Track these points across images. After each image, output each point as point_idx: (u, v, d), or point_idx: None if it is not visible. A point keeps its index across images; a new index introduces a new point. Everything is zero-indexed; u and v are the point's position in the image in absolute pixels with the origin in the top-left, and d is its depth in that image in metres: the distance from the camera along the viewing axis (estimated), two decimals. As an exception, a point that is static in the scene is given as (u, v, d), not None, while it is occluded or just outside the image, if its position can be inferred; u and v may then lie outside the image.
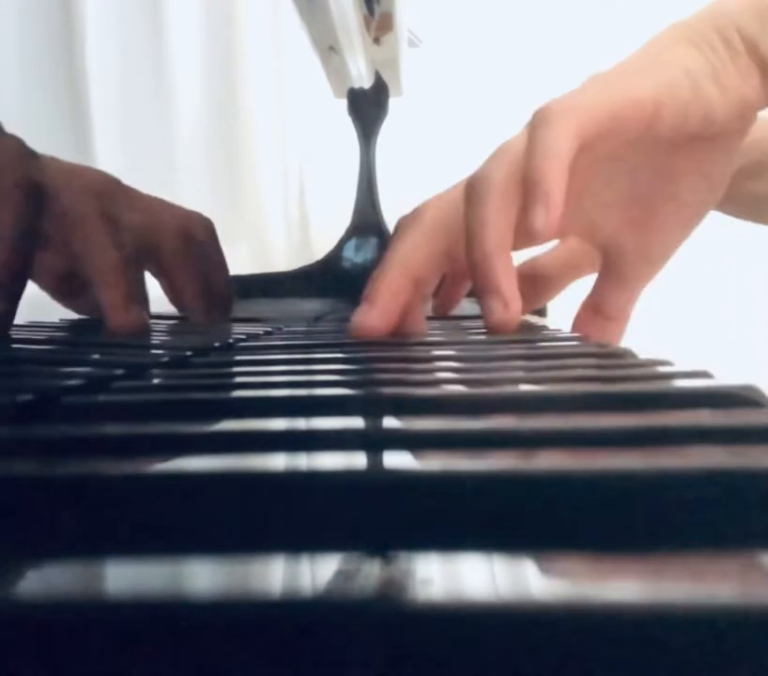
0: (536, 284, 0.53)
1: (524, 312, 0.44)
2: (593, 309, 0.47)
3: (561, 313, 0.61)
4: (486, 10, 1.38)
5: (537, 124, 0.37)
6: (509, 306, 0.38)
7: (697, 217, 0.44)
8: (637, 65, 0.39)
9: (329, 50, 0.68)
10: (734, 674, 0.07)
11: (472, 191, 0.39)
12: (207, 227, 0.54)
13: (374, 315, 0.38)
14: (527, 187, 0.36)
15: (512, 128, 0.42)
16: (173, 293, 0.55)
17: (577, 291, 0.55)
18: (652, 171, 0.42)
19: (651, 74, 0.38)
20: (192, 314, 0.53)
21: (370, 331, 0.38)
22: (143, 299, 0.49)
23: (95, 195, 0.45)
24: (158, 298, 0.58)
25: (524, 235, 0.38)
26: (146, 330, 0.43)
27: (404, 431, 0.16)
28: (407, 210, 0.44)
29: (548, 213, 0.35)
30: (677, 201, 0.43)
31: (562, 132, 0.36)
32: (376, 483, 0.12)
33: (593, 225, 0.44)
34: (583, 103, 0.37)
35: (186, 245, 0.52)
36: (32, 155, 0.41)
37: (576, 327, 0.47)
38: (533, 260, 0.53)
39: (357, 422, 0.17)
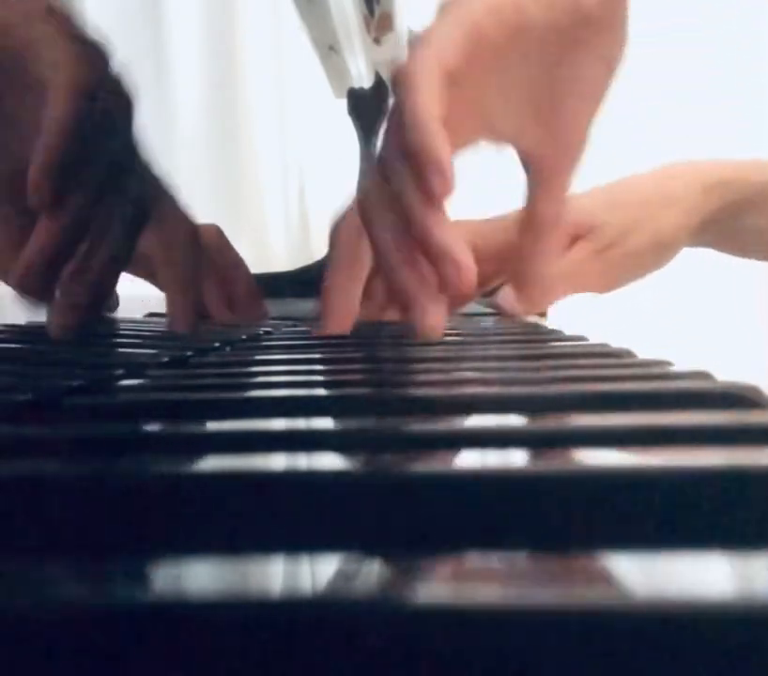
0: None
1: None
2: (527, 223, 0.46)
3: (561, 313, 0.61)
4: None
5: (398, 93, 0.38)
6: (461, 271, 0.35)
7: (598, 96, 0.44)
8: None
9: (329, 50, 0.68)
10: (734, 674, 0.07)
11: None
12: (216, 233, 0.55)
13: None
14: (414, 162, 0.36)
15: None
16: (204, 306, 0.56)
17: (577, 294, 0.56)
18: (544, 62, 0.42)
19: None
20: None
21: None
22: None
23: None
24: (157, 297, 0.58)
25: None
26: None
27: (404, 431, 0.16)
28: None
29: (444, 177, 0.36)
30: (577, 83, 0.43)
31: (421, 91, 0.37)
32: (376, 483, 0.12)
33: (500, 127, 0.44)
34: (437, 41, 0.38)
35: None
36: None
37: (520, 240, 0.46)
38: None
39: (357, 422, 0.17)
